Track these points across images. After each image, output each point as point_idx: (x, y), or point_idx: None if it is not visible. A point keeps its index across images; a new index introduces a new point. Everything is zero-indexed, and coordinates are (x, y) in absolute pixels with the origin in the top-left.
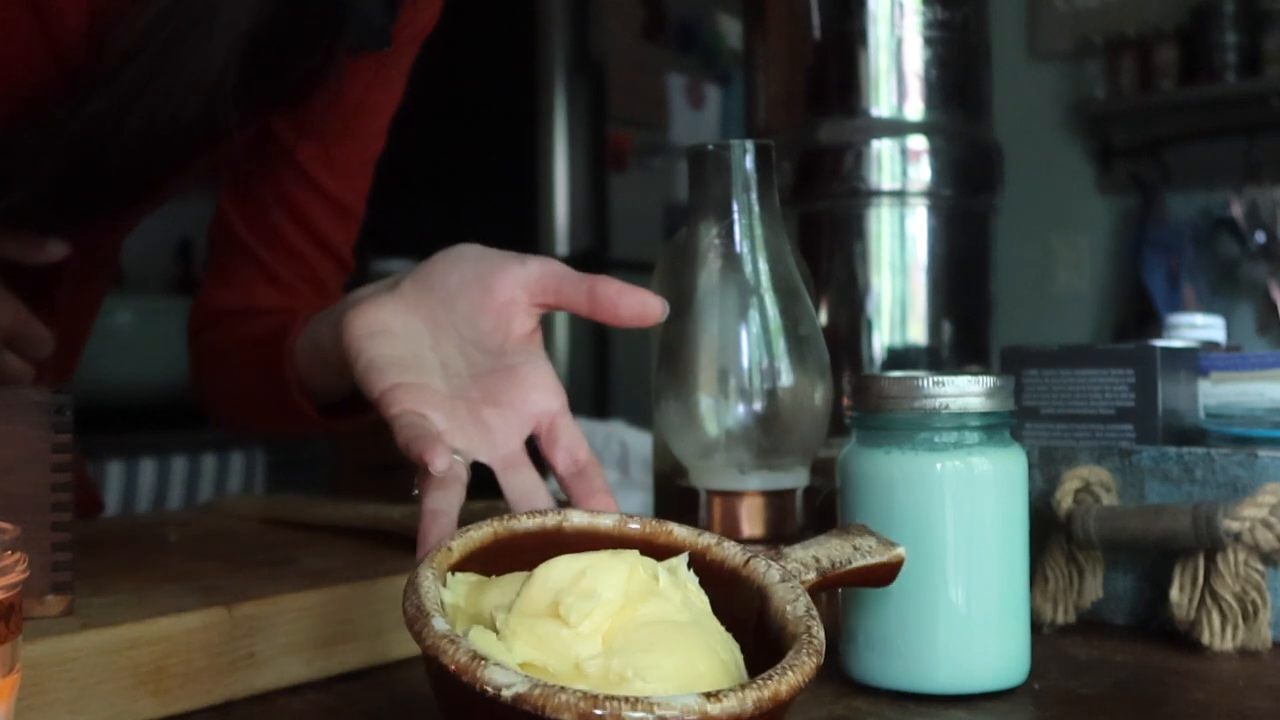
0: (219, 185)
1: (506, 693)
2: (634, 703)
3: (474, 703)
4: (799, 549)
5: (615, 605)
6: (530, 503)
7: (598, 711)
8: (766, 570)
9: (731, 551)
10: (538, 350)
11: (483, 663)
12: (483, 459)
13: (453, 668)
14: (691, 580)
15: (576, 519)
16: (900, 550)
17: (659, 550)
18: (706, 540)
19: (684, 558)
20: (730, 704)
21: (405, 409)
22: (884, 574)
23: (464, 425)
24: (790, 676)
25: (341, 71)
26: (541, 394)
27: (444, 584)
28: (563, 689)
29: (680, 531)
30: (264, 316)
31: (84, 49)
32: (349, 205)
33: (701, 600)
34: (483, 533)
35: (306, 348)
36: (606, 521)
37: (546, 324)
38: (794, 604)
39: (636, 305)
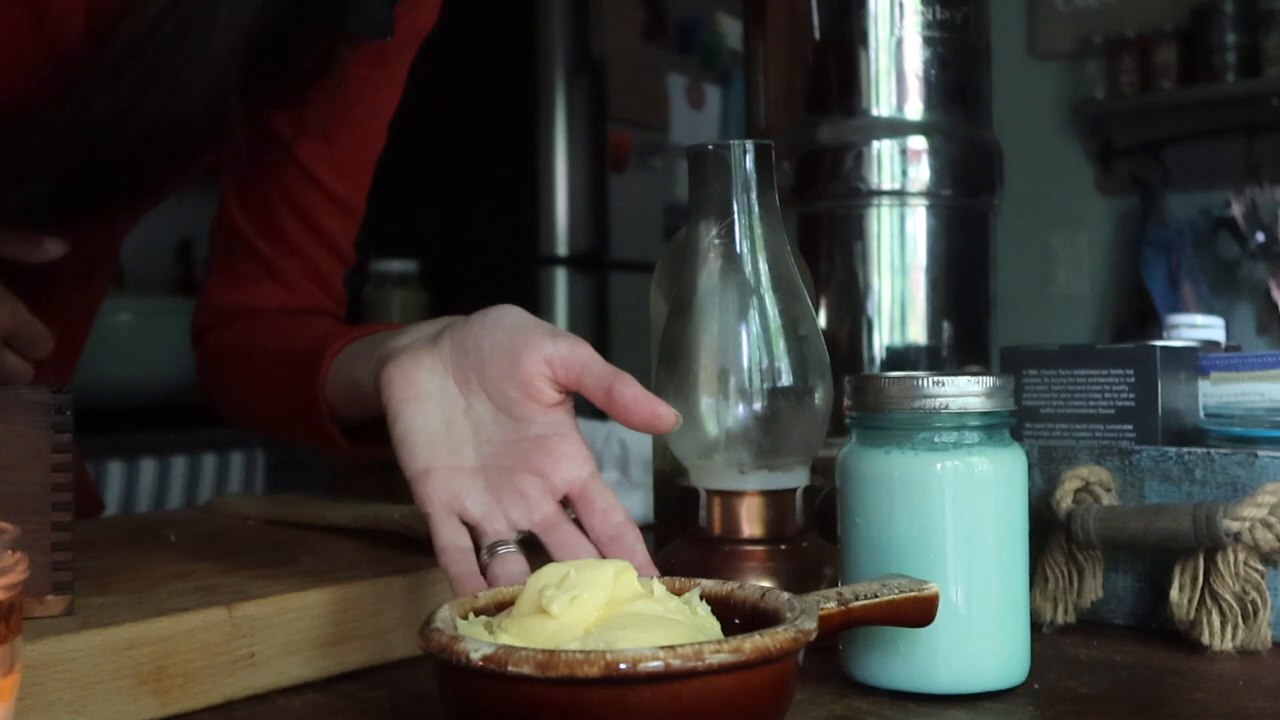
0: (221, 183)
1: (475, 655)
2: (588, 653)
3: (458, 678)
4: (830, 589)
5: (599, 601)
6: (572, 555)
7: (553, 662)
8: (778, 597)
9: (751, 590)
10: (567, 419)
11: (459, 639)
12: (523, 525)
13: (437, 650)
14: (703, 608)
15: None
16: (932, 587)
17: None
18: (730, 586)
19: (697, 590)
20: (686, 651)
21: (439, 507)
22: (917, 610)
23: (499, 494)
24: (756, 639)
25: (344, 62)
26: (571, 462)
27: (465, 619)
28: (522, 649)
29: (708, 584)
30: (272, 319)
31: (82, 47)
32: (350, 202)
33: (711, 624)
34: (513, 589)
35: (342, 384)
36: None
37: (546, 319)
38: (792, 612)
39: (648, 415)
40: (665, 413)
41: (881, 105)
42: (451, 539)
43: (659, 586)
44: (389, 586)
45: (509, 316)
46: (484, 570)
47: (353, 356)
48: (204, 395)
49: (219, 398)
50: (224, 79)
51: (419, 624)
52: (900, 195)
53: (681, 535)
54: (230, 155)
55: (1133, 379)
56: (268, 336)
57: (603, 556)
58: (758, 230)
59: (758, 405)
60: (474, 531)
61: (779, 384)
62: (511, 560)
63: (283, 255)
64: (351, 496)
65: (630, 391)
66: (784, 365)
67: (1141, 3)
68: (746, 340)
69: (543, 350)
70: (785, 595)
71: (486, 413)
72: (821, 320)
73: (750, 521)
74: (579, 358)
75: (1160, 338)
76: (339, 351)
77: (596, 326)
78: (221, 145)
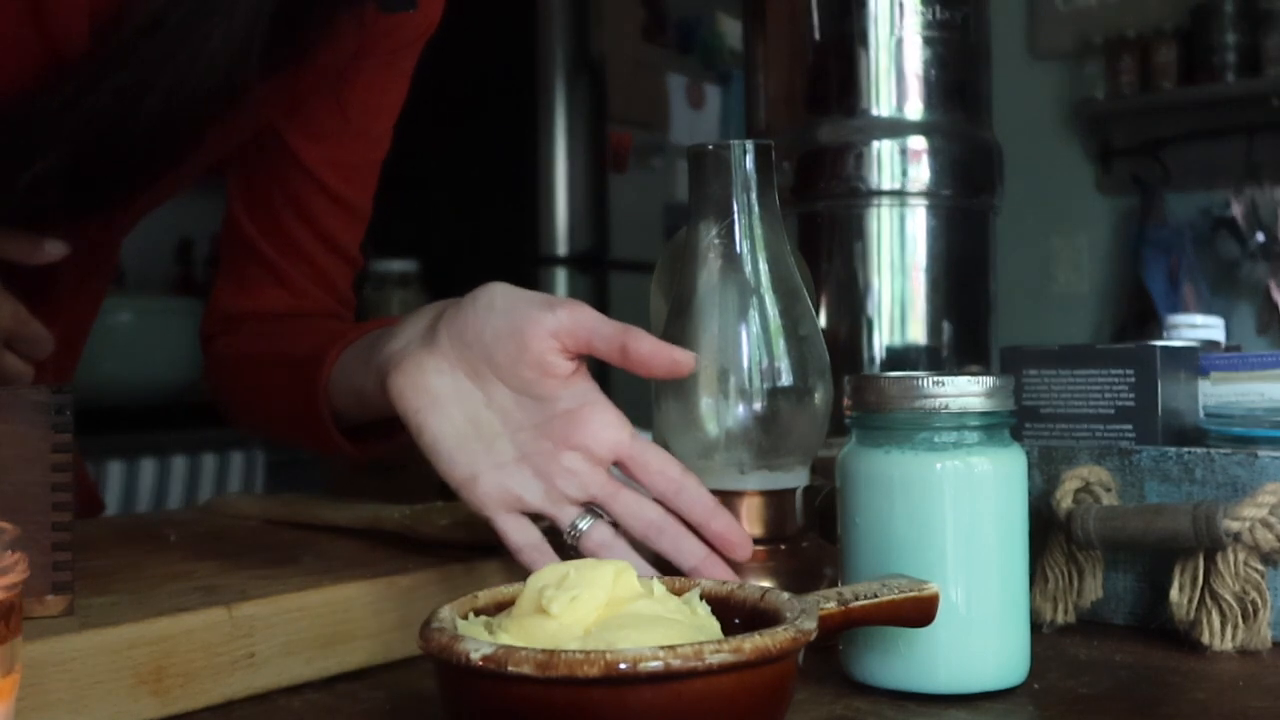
0: (227, 188)
1: (475, 655)
2: (588, 653)
3: (458, 678)
4: (830, 589)
5: (599, 601)
6: (641, 520)
7: (553, 662)
8: (778, 597)
9: (751, 590)
10: (589, 386)
11: (459, 639)
12: (582, 500)
13: (437, 650)
14: (703, 608)
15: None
16: (932, 587)
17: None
18: (730, 586)
19: (697, 590)
20: (686, 651)
21: (498, 507)
22: (917, 610)
23: (551, 478)
24: (756, 639)
25: (365, 25)
26: (608, 429)
27: (465, 619)
28: (522, 649)
29: (708, 584)
30: (278, 323)
31: (85, 46)
32: (356, 206)
33: (711, 624)
34: (513, 589)
35: (344, 389)
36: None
37: None
38: (792, 612)
39: (667, 363)
40: (683, 357)
41: (881, 105)
42: (523, 538)
43: (659, 586)
44: (389, 586)
45: (498, 298)
46: (576, 549)
47: (351, 362)
48: (212, 397)
49: (226, 402)
50: (245, 54)
51: (419, 624)
52: (900, 195)
53: None
54: (236, 159)
55: (1133, 379)
56: (272, 342)
57: (670, 511)
58: (758, 230)
59: (758, 405)
60: (544, 518)
61: (779, 384)
62: (598, 530)
63: (288, 259)
64: (351, 496)
65: (645, 345)
66: (784, 365)
67: (1141, 3)
68: (746, 340)
69: (545, 325)
70: (785, 595)
71: (508, 400)
72: (821, 320)
73: (750, 521)
74: (584, 323)
75: (1160, 338)
76: (337, 357)
77: None
78: (233, 129)
